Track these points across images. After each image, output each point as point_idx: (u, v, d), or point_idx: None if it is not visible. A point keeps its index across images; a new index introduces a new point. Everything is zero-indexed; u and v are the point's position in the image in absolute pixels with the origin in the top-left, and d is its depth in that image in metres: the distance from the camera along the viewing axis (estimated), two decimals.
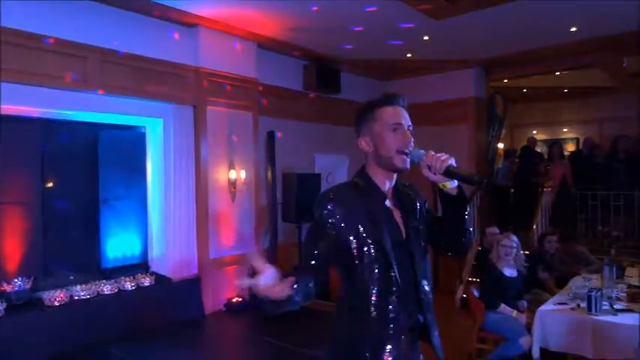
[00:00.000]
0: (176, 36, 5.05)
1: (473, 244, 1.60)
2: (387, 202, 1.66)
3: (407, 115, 1.65)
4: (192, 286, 5.15)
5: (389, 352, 1.55)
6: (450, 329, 5.51)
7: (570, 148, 10.80)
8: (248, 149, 5.63)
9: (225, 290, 5.44)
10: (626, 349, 3.43)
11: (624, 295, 4.13)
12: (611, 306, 3.82)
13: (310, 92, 6.58)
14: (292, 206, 5.69)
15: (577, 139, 11.09)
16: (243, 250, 5.59)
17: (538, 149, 9.08)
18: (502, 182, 7.83)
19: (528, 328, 3.96)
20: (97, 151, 4.91)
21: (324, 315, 5.40)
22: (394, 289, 1.57)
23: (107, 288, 4.55)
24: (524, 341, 3.93)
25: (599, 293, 3.84)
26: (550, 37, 6.04)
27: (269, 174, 5.59)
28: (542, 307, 3.98)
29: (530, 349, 3.85)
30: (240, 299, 5.45)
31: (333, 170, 6.87)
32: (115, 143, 5.07)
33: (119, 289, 4.63)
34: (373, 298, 1.56)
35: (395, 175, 1.68)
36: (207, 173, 5.24)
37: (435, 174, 1.56)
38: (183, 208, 5.15)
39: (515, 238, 4.26)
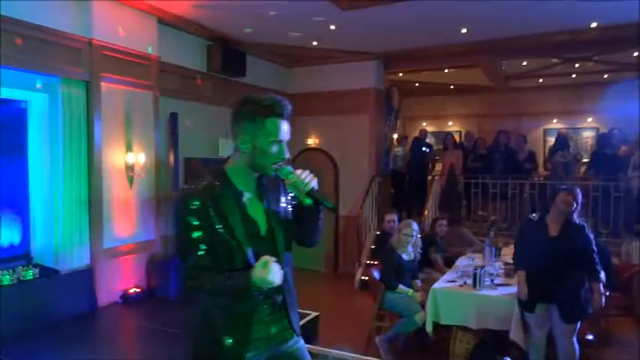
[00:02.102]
0: (65, 3, 4.54)
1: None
2: (245, 197, 1.71)
3: (289, 128, 1.69)
4: (83, 278, 4.76)
5: (256, 338, 1.68)
6: (351, 309, 5.82)
7: (454, 140, 11.80)
8: (147, 131, 5.30)
9: (121, 281, 5.11)
10: (504, 318, 3.92)
11: (501, 271, 4.67)
12: (492, 281, 4.31)
13: (214, 74, 6.35)
14: None
15: (460, 132, 12.16)
16: (141, 238, 5.29)
17: (427, 140, 9.80)
18: (400, 169, 8.33)
19: (422, 305, 4.31)
20: None
21: None
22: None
23: None
24: (419, 317, 4.25)
25: (482, 271, 4.30)
26: (443, 37, 6.53)
27: (171, 158, 5.31)
28: (435, 285, 4.35)
29: (424, 324, 4.20)
30: (137, 290, 5.16)
31: None
32: None
33: None
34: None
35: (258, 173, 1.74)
36: (102, 156, 4.84)
37: (298, 191, 1.70)
38: (74, 193, 4.70)
39: (415, 227, 4.58)
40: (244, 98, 1.69)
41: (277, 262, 1.63)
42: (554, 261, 3.49)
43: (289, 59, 7.63)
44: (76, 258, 4.73)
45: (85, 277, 4.75)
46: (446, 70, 9.80)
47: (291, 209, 1.83)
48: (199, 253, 1.63)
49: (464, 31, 6.04)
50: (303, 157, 8.02)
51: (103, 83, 4.79)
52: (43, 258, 4.69)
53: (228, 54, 6.33)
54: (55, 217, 4.68)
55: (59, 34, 4.47)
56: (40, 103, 4.67)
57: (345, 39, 6.55)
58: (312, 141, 8.01)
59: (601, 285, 3.46)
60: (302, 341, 1.86)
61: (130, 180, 5.13)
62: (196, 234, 1.62)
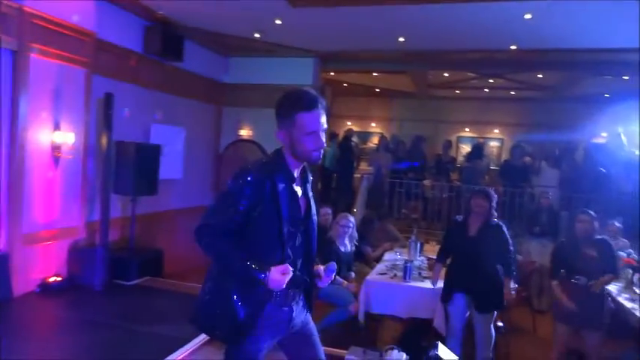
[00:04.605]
0: None
1: None
2: (294, 185, 1.87)
3: (324, 118, 1.81)
4: None
5: (283, 310, 1.87)
6: None
7: (376, 141, 12.36)
8: (78, 110, 4.97)
9: (40, 269, 4.76)
10: (430, 308, 4.29)
11: (425, 265, 5.08)
12: (419, 274, 4.69)
13: (151, 57, 6.09)
14: (129, 178, 5.25)
15: (382, 134, 12.78)
16: (65, 224, 4.96)
17: (353, 139, 10.19)
18: (329, 166, 8.59)
19: (355, 296, 4.56)
20: None
21: (155, 291, 5.22)
22: (288, 259, 1.84)
23: None
24: (352, 307, 4.50)
25: (411, 264, 4.66)
26: (380, 43, 6.85)
27: (103, 141, 5.02)
28: (368, 277, 4.63)
29: (357, 314, 4.45)
30: (58, 278, 4.84)
31: (169, 142, 6.53)
32: None
33: None
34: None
35: (304, 162, 1.91)
36: (26, 133, 4.46)
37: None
38: None
39: (352, 219, 4.82)
40: (282, 95, 1.85)
41: (309, 249, 1.88)
42: (472, 258, 3.88)
43: (227, 48, 7.52)
44: None
45: (0, 264, 4.36)
46: (374, 74, 10.27)
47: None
48: (233, 217, 1.73)
49: (401, 39, 6.41)
50: (235, 147, 7.98)
51: (32, 55, 4.41)
52: None
53: (166, 37, 6.09)
54: None
55: None
56: None
57: (287, 34, 6.62)
58: (244, 132, 7.98)
59: (512, 281, 3.87)
60: (312, 322, 2.04)
61: (56, 161, 4.78)
62: (240, 201, 1.73)
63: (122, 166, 5.27)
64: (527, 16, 5.05)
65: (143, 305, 4.85)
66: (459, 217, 4.15)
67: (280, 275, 1.70)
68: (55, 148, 4.74)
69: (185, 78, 6.87)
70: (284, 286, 1.73)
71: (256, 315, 1.80)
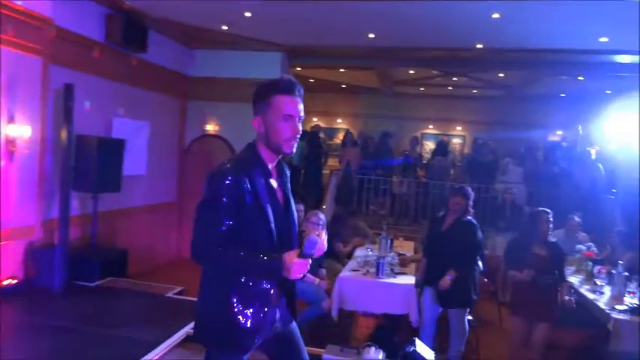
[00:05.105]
0: None
1: None
2: (271, 179, 1.82)
3: (301, 106, 1.77)
4: None
5: (262, 306, 1.80)
6: None
7: (342, 137, 12.39)
8: (34, 102, 4.67)
9: None
10: (402, 303, 4.32)
11: (397, 261, 5.12)
12: (392, 270, 4.71)
13: (113, 47, 5.80)
14: (90, 174, 4.99)
15: (347, 130, 12.82)
16: (20, 223, 4.66)
17: (320, 135, 10.17)
18: (297, 162, 8.51)
19: (328, 293, 4.54)
20: None
21: (119, 292, 5.01)
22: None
23: None
24: (325, 304, 4.48)
25: (383, 260, 4.68)
26: (348, 39, 6.83)
27: (63, 134, 4.74)
28: (341, 275, 4.61)
29: (329, 311, 4.43)
30: (13, 281, 4.55)
31: (132, 137, 6.27)
32: None
33: None
34: None
35: (279, 156, 1.85)
36: None
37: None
38: None
39: (322, 216, 4.78)
40: (259, 83, 1.79)
41: (291, 242, 1.80)
42: (439, 253, 3.96)
43: (193, 40, 7.29)
44: None
45: None
46: (341, 70, 10.26)
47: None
48: (221, 227, 1.66)
49: (371, 35, 6.40)
50: (201, 143, 7.77)
51: None
52: None
53: (129, 26, 5.81)
54: None
55: None
56: None
57: (255, 27, 6.49)
58: (211, 127, 7.78)
59: (448, 277, 3.80)
60: (294, 322, 1.98)
61: (10, 155, 4.48)
62: (224, 207, 1.66)
63: (83, 162, 5.01)
64: (495, 16, 5.14)
65: (107, 307, 4.64)
66: (440, 213, 4.22)
67: (296, 259, 1.63)
68: (9, 142, 4.44)
69: (149, 70, 6.61)
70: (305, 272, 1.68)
71: (260, 319, 1.77)
